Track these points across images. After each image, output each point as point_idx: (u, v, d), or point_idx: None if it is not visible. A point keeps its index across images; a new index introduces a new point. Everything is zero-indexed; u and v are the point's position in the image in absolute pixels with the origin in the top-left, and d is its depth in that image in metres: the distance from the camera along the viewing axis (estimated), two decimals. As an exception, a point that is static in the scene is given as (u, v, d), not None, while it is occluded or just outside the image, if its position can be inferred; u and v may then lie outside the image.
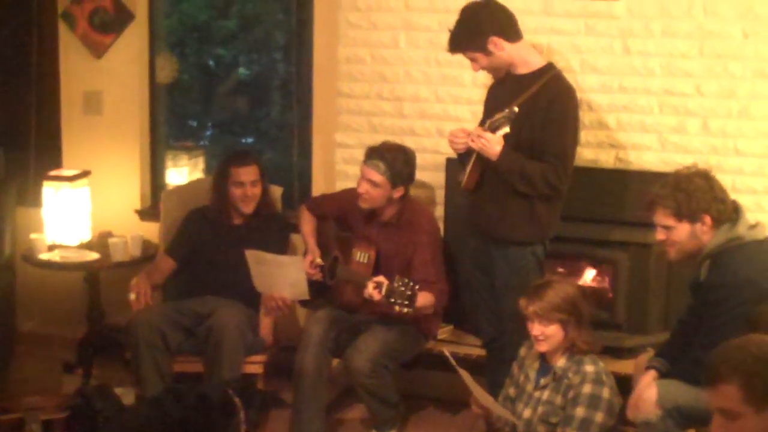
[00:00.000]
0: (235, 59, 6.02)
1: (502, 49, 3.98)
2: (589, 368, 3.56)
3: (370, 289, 4.03)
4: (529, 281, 3.89)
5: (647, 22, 4.42)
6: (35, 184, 5.37)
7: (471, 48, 4.01)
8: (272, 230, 4.75)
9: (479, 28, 3.97)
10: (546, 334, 3.58)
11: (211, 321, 4.41)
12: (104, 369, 5.11)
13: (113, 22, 5.36)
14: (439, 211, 4.79)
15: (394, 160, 4.34)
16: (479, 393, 3.72)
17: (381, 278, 4.04)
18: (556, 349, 3.62)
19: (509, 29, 4.01)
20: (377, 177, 4.33)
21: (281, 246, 4.70)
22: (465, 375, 3.70)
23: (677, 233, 3.54)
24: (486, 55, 3.99)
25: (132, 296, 4.53)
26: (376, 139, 4.56)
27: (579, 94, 4.15)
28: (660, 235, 3.60)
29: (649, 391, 3.50)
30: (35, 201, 5.30)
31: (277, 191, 5.00)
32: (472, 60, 4.05)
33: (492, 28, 3.96)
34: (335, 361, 4.53)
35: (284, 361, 4.68)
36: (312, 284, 4.45)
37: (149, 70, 5.51)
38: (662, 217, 3.56)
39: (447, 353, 3.80)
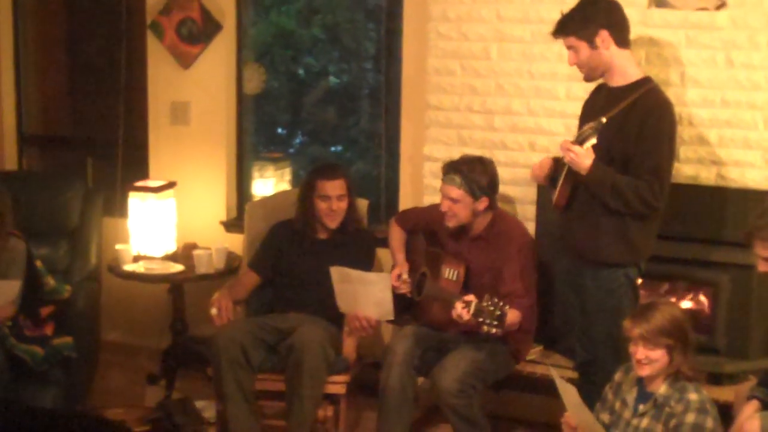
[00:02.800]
0: (324, 68, 5.97)
1: (608, 48, 3.83)
2: (693, 396, 3.39)
3: (459, 309, 3.92)
4: (622, 304, 3.75)
5: (752, 33, 4.22)
6: (122, 194, 5.38)
7: (578, 34, 3.84)
8: (358, 246, 4.66)
9: (594, 17, 3.82)
10: (651, 358, 3.41)
11: (293, 338, 4.32)
12: (187, 381, 5.11)
13: (201, 32, 5.34)
14: (531, 228, 4.63)
15: (471, 171, 4.22)
16: (578, 411, 3.56)
17: (470, 297, 3.92)
18: (657, 375, 3.45)
19: (622, 31, 3.87)
20: (455, 192, 4.21)
21: (367, 262, 4.61)
22: (570, 391, 3.54)
23: None
24: (591, 47, 3.83)
25: (213, 311, 4.48)
26: (466, 153, 4.44)
27: (679, 108, 3.98)
28: (762, 267, 3.42)
29: (751, 423, 3.32)
30: (121, 211, 5.31)
31: (363, 204, 4.91)
32: (573, 49, 3.88)
33: (607, 22, 3.82)
34: (420, 380, 4.42)
35: (368, 379, 4.59)
36: (399, 299, 4.35)
37: (237, 80, 5.48)
38: (762, 250, 3.37)
39: (554, 373, 3.65)
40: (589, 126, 3.77)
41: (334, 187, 4.60)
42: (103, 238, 5.22)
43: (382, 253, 4.81)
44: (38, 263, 4.68)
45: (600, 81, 3.99)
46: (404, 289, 4.45)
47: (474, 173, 4.22)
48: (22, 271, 4.50)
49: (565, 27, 3.90)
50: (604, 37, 3.81)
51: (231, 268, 5.03)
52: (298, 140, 6.17)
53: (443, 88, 4.83)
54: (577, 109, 4.22)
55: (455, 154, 4.52)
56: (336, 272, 4.34)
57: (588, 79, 3.98)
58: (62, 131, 6.23)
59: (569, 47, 3.90)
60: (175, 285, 5.07)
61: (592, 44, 3.83)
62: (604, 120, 3.74)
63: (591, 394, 3.81)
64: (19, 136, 5.94)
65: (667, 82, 4.19)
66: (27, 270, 4.54)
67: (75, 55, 6.16)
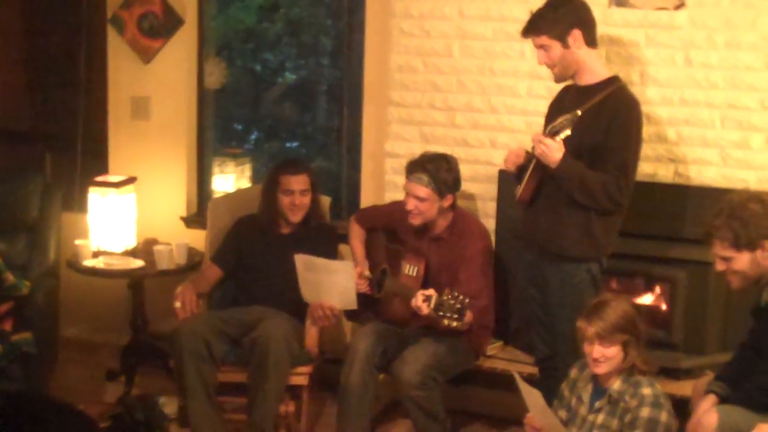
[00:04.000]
0: (282, 64, 5.96)
1: (580, 48, 3.86)
2: (646, 391, 3.43)
3: (419, 302, 3.94)
4: (584, 300, 3.76)
5: (710, 33, 4.29)
6: (81, 189, 5.34)
7: (551, 34, 3.86)
8: (321, 240, 4.67)
9: (567, 16, 3.84)
10: (606, 356, 3.45)
11: (256, 331, 4.32)
12: (147, 377, 5.08)
13: (162, 26, 5.32)
14: (491, 225, 4.67)
15: (437, 169, 4.25)
16: (543, 416, 3.58)
17: (430, 291, 3.95)
18: (612, 371, 3.49)
19: (591, 31, 3.90)
20: (422, 191, 4.23)
21: (329, 256, 4.59)
22: (535, 394, 3.56)
23: (737, 263, 3.42)
24: (563, 46, 3.85)
25: (177, 304, 4.48)
26: (428, 150, 4.46)
27: (638, 107, 4.03)
28: (720, 266, 3.48)
29: (708, 416, 3.37)
30: (81, 206, 5.27)
31: (325, 201, 4.92)
32: (544, 48, 3.89)
33: (579, 21, 3.85)
34: (381, 376, 4.44)
35: (329, 374, 4.61)
36: (360, 297, 4.35)
37: (197, 75, 5.46)
38: (720, 249, 3.43)
39: (516, 375, 3.67)
40: (564, 118, 3.77)
41: (298, 182, 4.61)
42: (62, 233, 5.19)
43: (343, 249, 4.82)
44: (-3, 258, 4.65)
45: (568, 81, 4.02)
46: (364, 287, 4.46)
47: (440, 171, 4.25)
48: (-20, 266, 4.48)
49: (537, 26, 3.90)
50: (576, 36, 3.84)
51: (192, 263, 5.01)
52: (254, 136, 6.16)
53: (405, 84, 4.85)
54: (538, 106, 4.26)
55: (417, 150, 4.55)
56: (300, 260, 4.35)
57: (559, 79, 4.00)
58: (20, 125, 6.15)
59: (540, 46, 3.91)
60: (135, 281, 5.04)
61: (564, 43, 3.86)
62: (579, 113, 3.75)
63: (551, 390, 3.85)
64: (-25, 130, 5.88)
65: (627, 81, 4.23)
66: (-14, 265, 4.52)
67: (33, 47, 6.09)
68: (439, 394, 4.24)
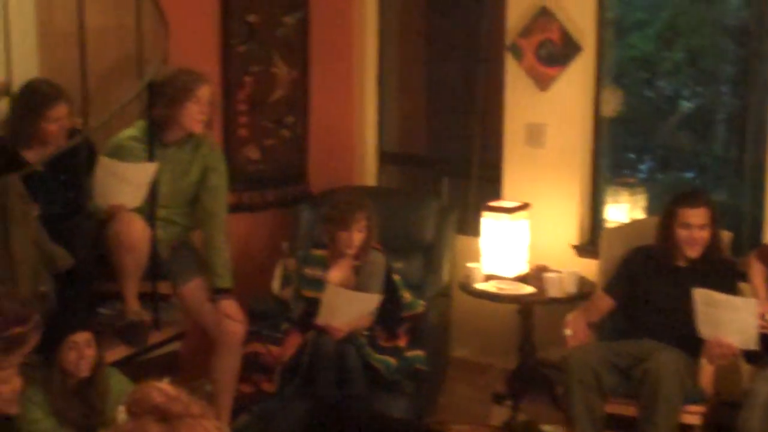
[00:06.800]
0: (677, 92, 5.79)
1: None
2: None
3: None
4: None
5: None
6: (475, 213, 5.44)
7: None
8: (719, 276, 4.44)
9: None
10: None
11: (648, 364, 4.21)
12: (533, 404, 5.06)
13: (560, 54, 5.31)
14: None
15: None
16: None
17: None
18: None
19: None
20: None
21: (728, 293, 4.37)
22: None
23: None
24: None
25: (568, 332, 4.45)
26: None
27: None
28: None
29: None
30: (474, 230, 5.37)
31: (726, 237, 4.69)
32: None
33: None
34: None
35: (723, 418, 4.37)
36: (763, 339, 4.11)
37: (594, 103, 5.41)
38: None
39: None
40: None
41: (697, 216, 4.43)
42: (455, 255, 5.33)
43: (744, 288, 4.57)
44: (396, 277, 4.84)
45: None
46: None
47: None
48: (382, 283, 4.69)
49: None
50: None
51: (582, 292, 4.95)
52: (645, 165, 6.02)
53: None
54: None
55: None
56: (700, 295, 4.18)
57: None
58: (419, 150, 6.42)
59: None
60: (525, 306, 5.06)
61: None
62: None
63: None
64: (379, 154, 6.17)
65: None
66: (386, 283, 4.71)
67: (433, 75, 6.34)
68: None
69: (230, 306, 4.43)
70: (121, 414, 1.95)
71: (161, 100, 4.30)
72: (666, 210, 4.56)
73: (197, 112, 4.35)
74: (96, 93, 4.59)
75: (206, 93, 4.37)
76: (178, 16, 4.64)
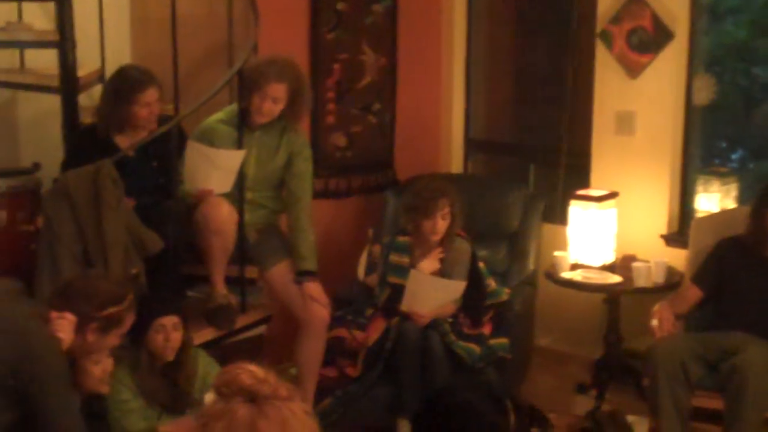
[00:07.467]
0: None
1: None
2: None
3: None
4: None
5: None
6: (563, 202, 5.41)
7: None
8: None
9: None
10: None
11: (737, 358, 4.12)
12: (618, 394, 5.01)
13: (651, 41, 5.24)
14: None
15: None
16: None
17: None
18: None
19: None
20: None
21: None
22: None
23: None
24: None
25: (654, 323, 4.38)
26: None
27: None
28: None
29: None
30: (562, 219, 5.34)
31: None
32: None
33: None
34: None
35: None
36: None
37: (685, 91, 5.32)
38: None
39: None
40: None
41: (789, 206, 4.34)
42: (541, 243, 5.30)
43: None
44: (481, 264, 4.84)
45: None
46: None
47: None
48: (466, 271, 4.69)
49: None
50: None
51: (670, 283, 4.88)
52: (737, 154, 5.90)
53: None
54: None
55: None
56: None
57: None
58: (506, 137, 6.40)
59: None
60: (611, 296, 5.01)
61: None
62: None
63: None
64: (466, 141, 6.17)
65: None
66: (470, 270, 4.71)
67: (522, 63, 6.30)
68: None
69: (315, 288, 4.46)
70: (209, 395, 1.98)
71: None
72: (757, 200, 4.47)
73: (262, 106, 4.35)
74: (186, 80, 4.68)
75: (276, 89, 4.33)
76: (268, 4, 4.69)
